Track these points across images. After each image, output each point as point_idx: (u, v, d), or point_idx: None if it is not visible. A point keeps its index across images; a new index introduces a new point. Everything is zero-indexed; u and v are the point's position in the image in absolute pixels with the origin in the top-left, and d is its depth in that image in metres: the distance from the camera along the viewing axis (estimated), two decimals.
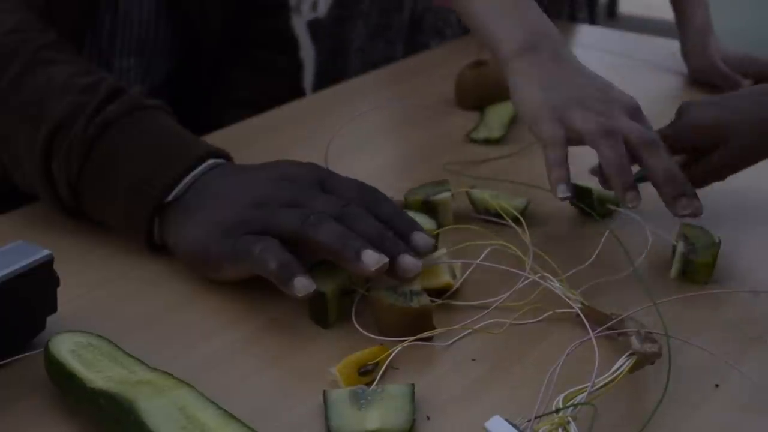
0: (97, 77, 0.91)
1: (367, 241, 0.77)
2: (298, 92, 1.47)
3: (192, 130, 0.92)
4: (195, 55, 1.32)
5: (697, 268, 0.86)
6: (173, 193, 0.84)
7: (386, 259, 0.76)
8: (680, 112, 0.94)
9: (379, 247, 0.77)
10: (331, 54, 1.66)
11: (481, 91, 1.24)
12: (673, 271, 0.87)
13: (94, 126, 0.87)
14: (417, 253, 0.79)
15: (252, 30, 1.41)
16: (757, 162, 0.95)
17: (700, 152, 0.93)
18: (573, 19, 1.70)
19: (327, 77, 1.65)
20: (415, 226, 0.81)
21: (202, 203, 0.83)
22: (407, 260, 0.77)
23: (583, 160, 0.95)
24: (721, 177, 0.95)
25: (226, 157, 0.90)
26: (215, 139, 1.18)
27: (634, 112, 0.88)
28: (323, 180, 0.85)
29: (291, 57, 1.48)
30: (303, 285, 0.75)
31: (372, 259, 0.75)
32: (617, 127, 0.85)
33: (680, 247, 0.86)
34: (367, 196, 0.83)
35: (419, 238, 0.80)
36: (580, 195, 0.93)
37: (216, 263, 0.81)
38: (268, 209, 0.80)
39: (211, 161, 0.87)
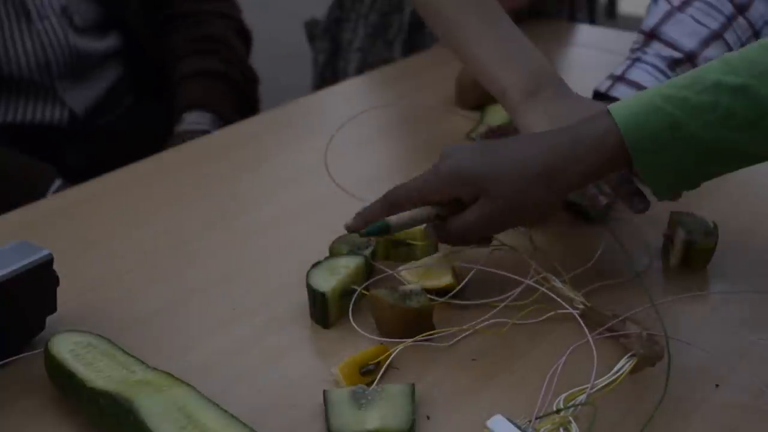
0: None
1: None
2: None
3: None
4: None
5: (699, 253, 0.87)
6: None
7: None
8: (441, 158, 0.82)
9: None
10: (329, 55, 1.66)
11: (481, 91, 1.23)
12: (674, 259, 0.87)
13: None
14: None
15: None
16: (515, 224, 0.83)
17: (463, 205, 0.80)
18: (573, 19, 1.70)
19: (325, 78, 1.65)
20: None
21: None
22: None
23: None
24: (474, 236, 0.81)
25: None
26: (216, 138, 1.18)
27: None
28: None
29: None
30: None
31: None
32: None
33: (681, 234, 0.86)
34: None
35: None
36: (574, 208, 0.96)
37: None
38: None
39: None
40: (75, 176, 1.05)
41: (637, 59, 1.01)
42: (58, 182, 1.19)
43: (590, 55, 1.46)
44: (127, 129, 1.41)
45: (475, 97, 1.24)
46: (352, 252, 0.84)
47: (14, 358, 0.72)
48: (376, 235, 0.80)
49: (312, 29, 1.70)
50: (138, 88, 1.45)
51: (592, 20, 1.77)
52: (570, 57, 1.50)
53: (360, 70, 1.59)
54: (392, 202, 0.81)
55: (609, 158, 0.75)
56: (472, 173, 0.78)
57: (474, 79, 1.25)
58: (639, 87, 0.98)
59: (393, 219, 0.80)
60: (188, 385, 0.66)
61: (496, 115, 1.20)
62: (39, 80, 1.29)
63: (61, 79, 1.30)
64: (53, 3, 1.28)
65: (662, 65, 1.00)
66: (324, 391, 0.69)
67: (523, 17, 1.57)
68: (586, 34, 1.63)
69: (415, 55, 1.52)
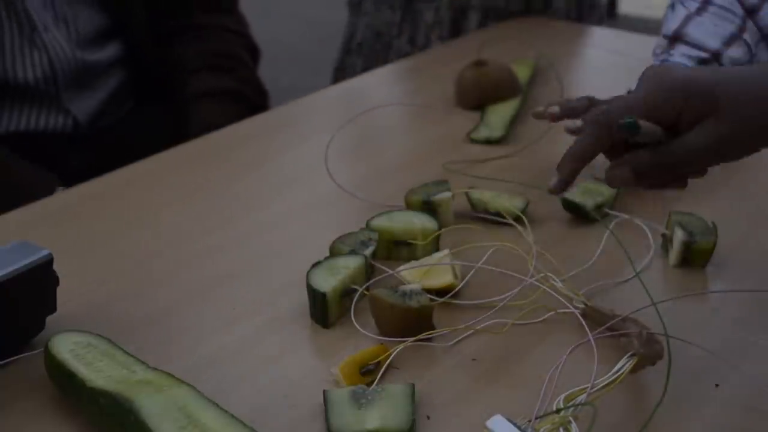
0: None
1: None
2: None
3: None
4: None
5: (699, 252, 0.87)
6: None
7: None
8: (653, 75, 0.74)
9: None
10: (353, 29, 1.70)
11: (481, 91, 1.24)
12: (673, 258, 0.87)
13: None
14: None
15: None
16: (752, 149, 0.73)
17: (675, 128, 0.73)
18: (580, 19, 1.70)
19: (350, 48, 1.68)
20: None
21: None
22: None
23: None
24: (701, 161, 0.73)
25: None
26: (216, 138, 1.18)
27: None
28: None
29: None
30: None
31: None
32: None
33: (679, 235, 0.86)
34: None
35: None
36: (574, 208, 0.95)
37: None
38: None
39: None
40: (78, 179, 1.06)
41: (665, 60, 1.01)
42: (60, 191, 1.19)
43: (590, 54, 1.47)
44: (129, 132, 1.41)
45: (475, 97, 1.25)
46: (353, 252, 0.84)
47: (14, 358, 0.72)
48: (626, 129, 0.69)
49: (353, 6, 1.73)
50: (139, 93, 1.46)
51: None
52: (573, 56, 1.50)
53: (369, 39, 1.61)
54: (603, 121, 0.72)
55: None
56: (707, 82, 0.70)
57: (474, 79, 1.26)
58: None
59: (642, 122, 0.70)
60: (188, 385, 0.66)
61: (496, 116, 1.20)
62: (45, 90, 1.29)
63: (66, 89, 1.31)
64: (58, 15, 1.28)
65: (691, 65, 1.00)
66: (324, 391, 0.69)
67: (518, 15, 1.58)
68: (588, 34, 1.63)
69: (416, 55, 1.52)
